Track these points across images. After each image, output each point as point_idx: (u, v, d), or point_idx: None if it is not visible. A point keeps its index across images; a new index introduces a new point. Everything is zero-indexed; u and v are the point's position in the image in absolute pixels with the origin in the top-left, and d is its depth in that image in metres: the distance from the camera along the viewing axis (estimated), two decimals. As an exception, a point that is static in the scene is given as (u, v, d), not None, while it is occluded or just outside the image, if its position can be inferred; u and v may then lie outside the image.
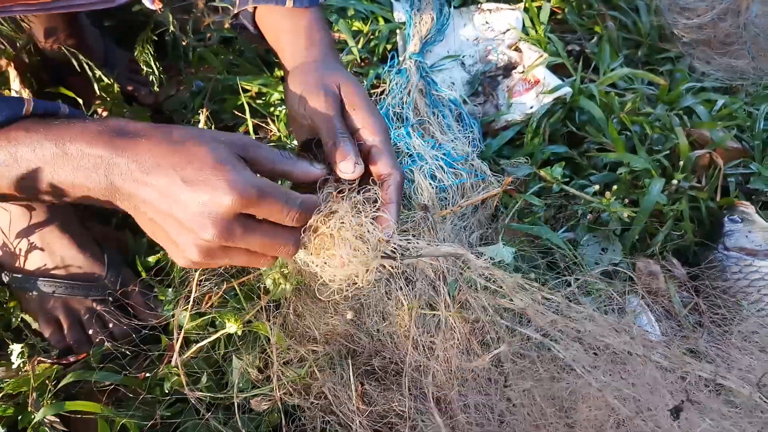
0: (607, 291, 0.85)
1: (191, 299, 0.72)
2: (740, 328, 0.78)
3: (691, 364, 0.59)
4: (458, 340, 0.70)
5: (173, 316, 0.83)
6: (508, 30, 1.32)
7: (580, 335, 0.71)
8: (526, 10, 1.34)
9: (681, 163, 1.00)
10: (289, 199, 0.56)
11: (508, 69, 1.26)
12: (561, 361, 0.70)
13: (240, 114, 1.09)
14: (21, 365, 0.73)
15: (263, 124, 1.11)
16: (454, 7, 1.36)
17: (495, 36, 1.33)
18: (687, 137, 1.05)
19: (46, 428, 0.65)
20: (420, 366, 0.75)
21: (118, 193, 0.55)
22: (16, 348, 0.74)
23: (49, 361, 0.73)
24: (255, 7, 0.84)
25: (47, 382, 0.72)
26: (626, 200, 0.96)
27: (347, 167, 0.63)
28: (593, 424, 0.62)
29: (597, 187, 0.94)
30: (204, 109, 1.04)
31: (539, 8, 1.34)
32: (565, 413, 0.64)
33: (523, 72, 1.18)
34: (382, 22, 1.28)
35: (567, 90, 1.10)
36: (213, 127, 1.04)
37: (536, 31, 1.29)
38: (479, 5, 1.36)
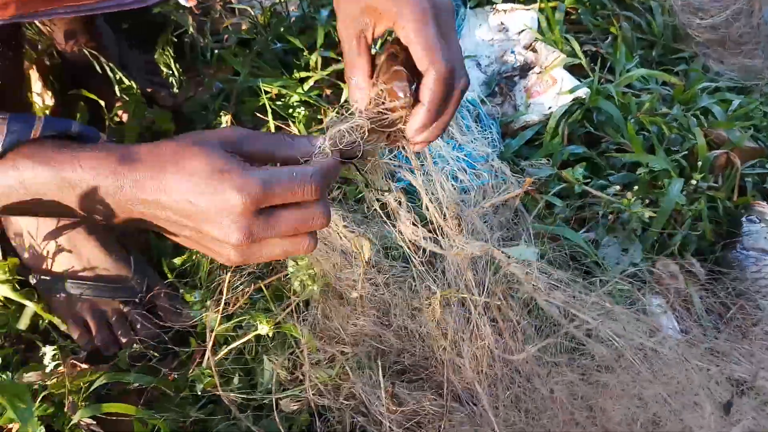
0: (630, 291, 0.87)
1: (222, 302, 0.73)
2: (762, 326, 0.79)
3: (727, 365, 0.60)
4: (491, 336, 0.71)
5: (200, 317, 0.84)
6: (523, 30, 1.32)
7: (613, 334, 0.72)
8: (541, 10, 1.35)
9: (699, 163, 1.00)
10: (298, 176, 0.53)
11: (525, 69, 1.26)
12: (589, 360, 0.71)
13: (260, 116, 1.10)
14: (54, 367, 0.73)
15: (284, 126, 1.12)
16: (470, 8, 1.36)
17: (510, 36, 1.33)
18: (704, 137, 1.06)
19: (82, 430, 0.66)
20: (450, 361, 0.76)
21: (125, 213, 0.54)
22: (48, 350, 0.75)
23: (83, 365, 0.74)
24: None
25: (81, 383, 0.73)
26: (646, 200, 0.97)
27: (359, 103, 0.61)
28: (623, 421, 0.63)
29: (617, 187, 0.95)
30: (225, 113, 1.05)
31: (554, 8, 1.34)
32: (593, 413, 0.65)
33: (540, 72, 1.19)
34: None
35: (585, 90, 1.11)
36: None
37: (552, 32, 1.29)
38: (494, 6, 1.37)
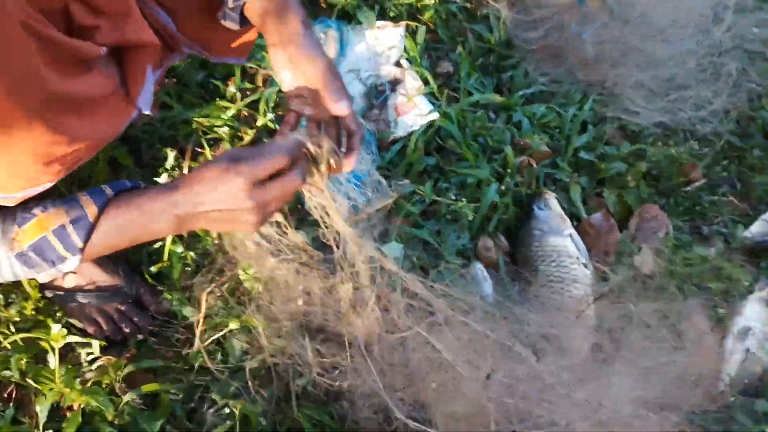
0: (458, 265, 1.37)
1: (201, 313, 1.15)
2: (535, 289, 1.32)
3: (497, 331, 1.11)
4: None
5: (180, 308, 1.25)
6: (393, 47, 1.70)
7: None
8: (406, 28, 1.72)
9: (509, 170, 1.49)
10: (272, 152, 0.85)
11: (394, 84, 1.66)
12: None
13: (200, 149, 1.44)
14: (92, 360, 1.14)
15: (213, 143, 1.47)
16: (350, 27, 1.70)
17: (383, 51, 1.70)
18: (516, 145, 1.55)
19: (127, 407, 1.09)
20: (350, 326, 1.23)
21: (183, 223, 0.89)
22: (95, 344, 1.14)
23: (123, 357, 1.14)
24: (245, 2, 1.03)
25: (111, 370, 1.14)
26: (473, 199, 1.45)
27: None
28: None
29: (453, 196, 1.42)
30: (172, 149, 1.39)
31: (416, 28, 1.72)
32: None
33: (404, 95, 1.59)
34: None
35: (435, 115, 1.54)
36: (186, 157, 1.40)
37: (414, 51, 1.68)
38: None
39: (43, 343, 1.11)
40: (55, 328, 1.08)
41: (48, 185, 0.87)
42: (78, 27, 0.90)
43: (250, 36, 1.20)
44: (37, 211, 0.86)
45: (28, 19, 0.74)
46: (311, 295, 1.26)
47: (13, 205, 0.86)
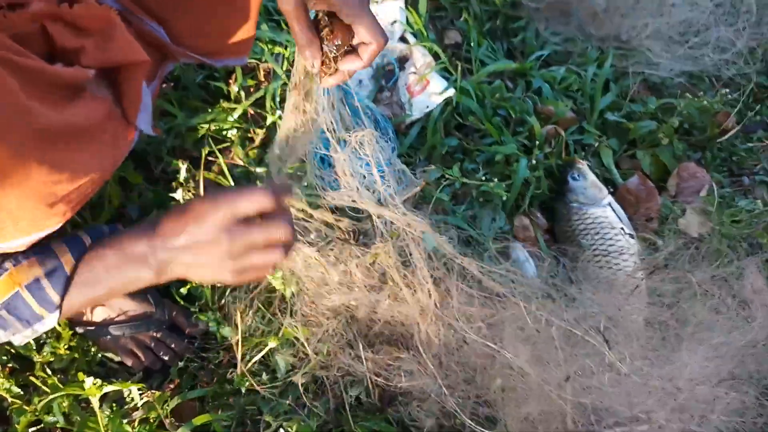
0: (500, 247, 1.31)
1: (238, 335, 1.10)
2: (582, 264, 1.26)
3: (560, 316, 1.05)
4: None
5: (217, 329, 1.20)
6: (395, 22, 1.60)
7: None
8: (406, 1, 1.62)
9: (537, 142, 1.42)
10: (254, 190, 0.77)
11: (402, 61, 1.57)
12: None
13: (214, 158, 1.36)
14: (138, 399, 1.09)
15: (224, 148, 1.39)
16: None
17: (385, 28, 1.61)
18: (538, 114, 1.47)
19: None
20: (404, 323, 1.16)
21: (162, 266, 0.79)
22: (134, 389, 1.09)
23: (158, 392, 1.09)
24: None
25: (157, 405, 1.09)
26: (503, 177, 1.39)
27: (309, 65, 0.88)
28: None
29: (482, 177, 1.35)
30: (183, 161, 1.31)
31: (417, 1, 1.62)
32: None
33: (415, 73, 1.51)
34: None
35: (451, 91, 1.46)
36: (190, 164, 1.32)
37: (417, 24, 1.59)
38: None
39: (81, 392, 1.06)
40: (89, 382, 1.00)
41: (55, 228, 0.80)
42: (60, 49, 0.82)
43: (249, 33, 1.12)
44: (8, 264, 0.78)
45: (0, 50, 0.67)
46: (352, 281, 1.18)
47: None
